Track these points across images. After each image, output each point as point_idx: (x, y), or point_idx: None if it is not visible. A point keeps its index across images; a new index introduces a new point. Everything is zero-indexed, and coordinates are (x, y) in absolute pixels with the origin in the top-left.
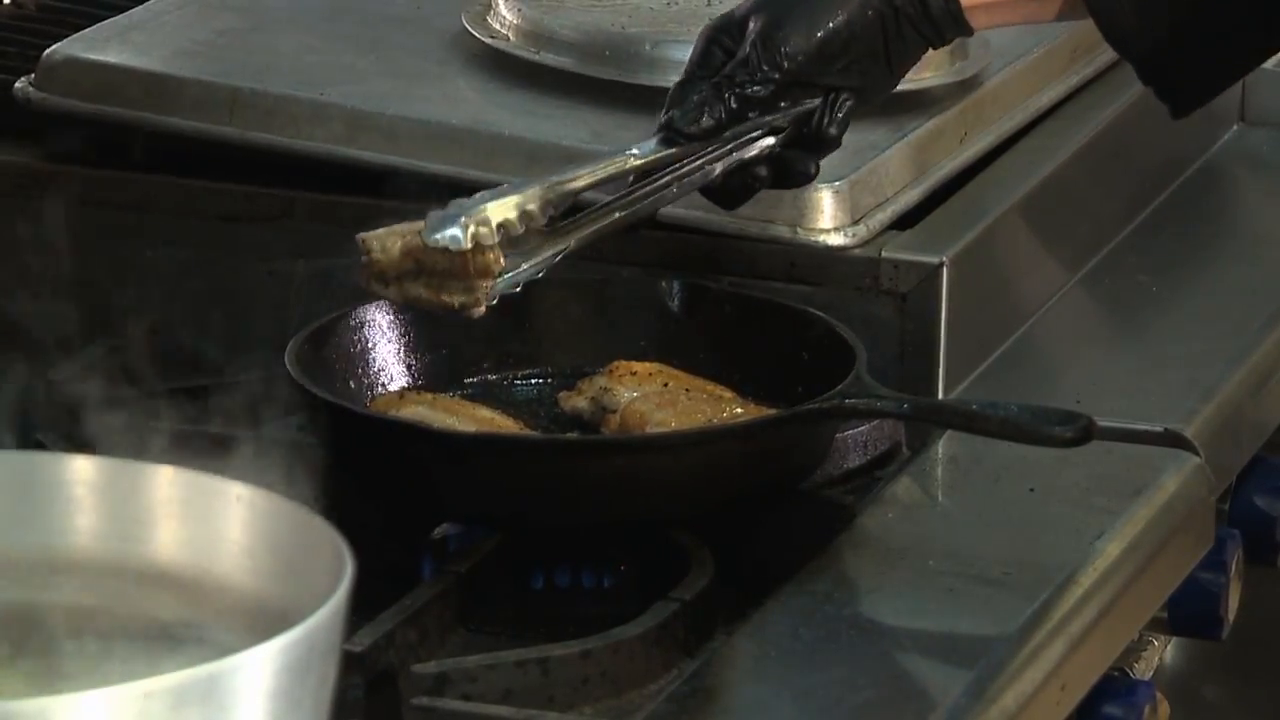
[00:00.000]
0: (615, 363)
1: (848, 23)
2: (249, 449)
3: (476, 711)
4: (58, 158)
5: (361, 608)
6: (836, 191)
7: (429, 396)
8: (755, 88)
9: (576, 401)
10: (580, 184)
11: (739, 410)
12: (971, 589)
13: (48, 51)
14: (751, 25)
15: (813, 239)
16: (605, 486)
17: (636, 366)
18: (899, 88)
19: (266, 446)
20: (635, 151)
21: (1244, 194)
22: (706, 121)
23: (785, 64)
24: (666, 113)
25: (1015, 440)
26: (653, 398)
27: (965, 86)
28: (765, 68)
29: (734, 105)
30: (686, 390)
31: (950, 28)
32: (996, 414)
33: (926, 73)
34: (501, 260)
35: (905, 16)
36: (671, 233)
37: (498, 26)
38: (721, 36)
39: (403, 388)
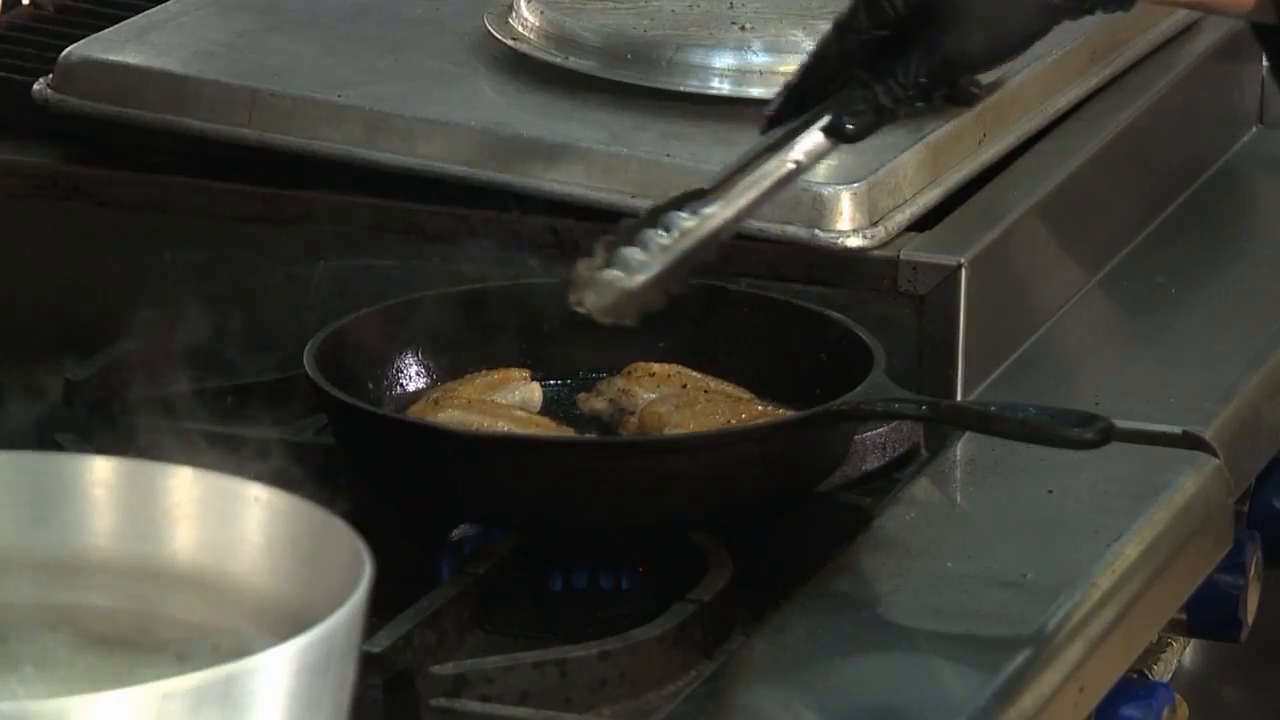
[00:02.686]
0: (634, 364)
1: (1024, 34)
2: (267, 450)
3: (494, 713)
4: (75, 159)
5: (380, 609)
6: (855, 193)
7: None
8: (920, 103)
9: (595, 403)
10: (746, 207)
11: (757, 412)
12: (990, 591)
13: (65, 52)
14: (920, 26)
15: (831, 240)
16: (623, 488)
17: (655, 368)
18: None
19: (285, 448)
20: (800, 158)
21: (1263, 196)
22: (873, 124)
23: (955, 79)
24: (819, 103)
25: (1034, 442)
26: (671, 399)
27: (984, 89)
28: (934, 85)
29: (896, 110)
30: (705, 392)
31: (1114, 6)
32: (1015, 416)
33: None
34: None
35: (1070, 12)
36: None
37: (519, 28)
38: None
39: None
